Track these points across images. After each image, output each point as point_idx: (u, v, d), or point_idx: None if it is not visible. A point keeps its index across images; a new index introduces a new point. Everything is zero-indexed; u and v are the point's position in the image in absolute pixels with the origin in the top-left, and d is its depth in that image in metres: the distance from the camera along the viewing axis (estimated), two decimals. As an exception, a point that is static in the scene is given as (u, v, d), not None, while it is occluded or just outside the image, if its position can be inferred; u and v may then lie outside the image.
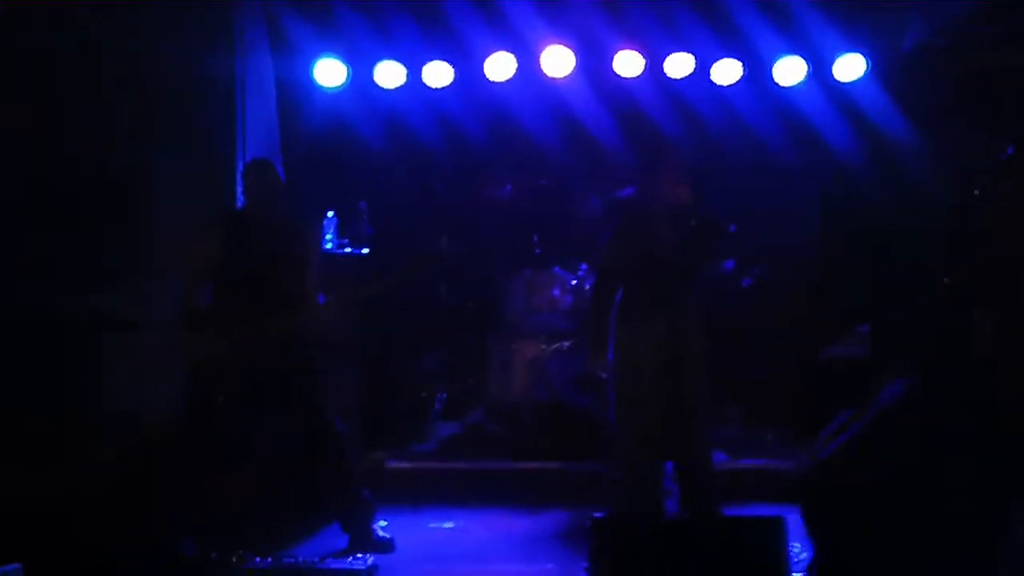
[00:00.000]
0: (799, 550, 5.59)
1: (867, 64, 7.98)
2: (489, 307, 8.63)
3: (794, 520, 4.59)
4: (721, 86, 8.17)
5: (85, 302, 6.30)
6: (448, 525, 6.63)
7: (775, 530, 4.26)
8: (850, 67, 8.03)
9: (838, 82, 8.13)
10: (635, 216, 5.97)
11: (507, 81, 8.15)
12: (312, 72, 8.11)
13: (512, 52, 8.05)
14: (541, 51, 7.98)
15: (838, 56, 8.03)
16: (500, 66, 8.07)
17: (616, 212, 6.27)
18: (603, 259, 6.11)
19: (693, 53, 8.02)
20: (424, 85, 8.23)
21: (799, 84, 8.17)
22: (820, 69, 8.11)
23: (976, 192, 5.71)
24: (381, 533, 6.06)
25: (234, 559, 5.41)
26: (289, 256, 5.86)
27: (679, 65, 8.04)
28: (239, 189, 7.14)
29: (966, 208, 5.72)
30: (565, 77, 8.09)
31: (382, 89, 8.26)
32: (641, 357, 5.72)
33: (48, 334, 6.12)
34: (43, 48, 6.63)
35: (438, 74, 8.17)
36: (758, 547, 4.24)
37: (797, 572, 5.11)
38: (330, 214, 7.95)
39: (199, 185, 7.10)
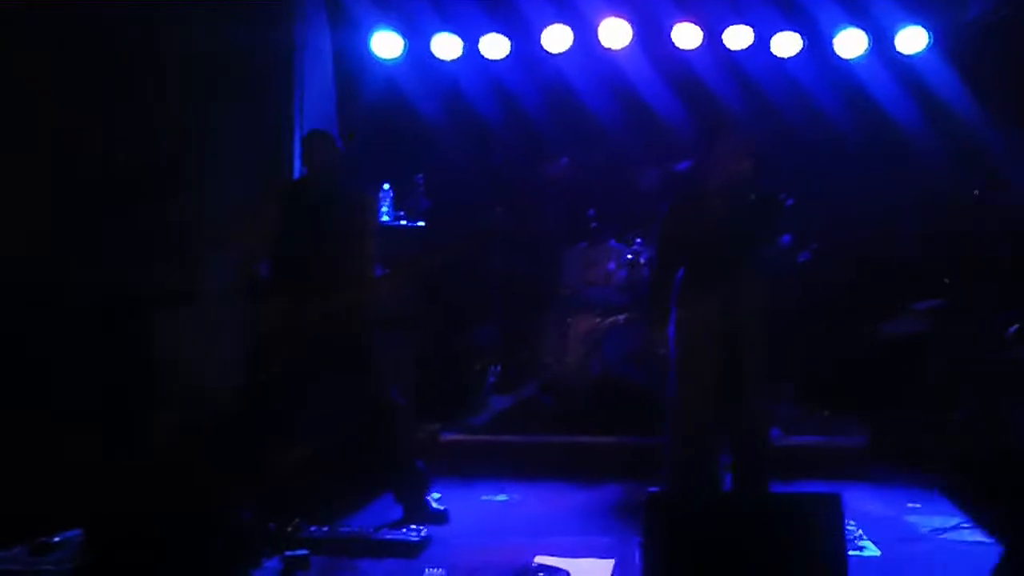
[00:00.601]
0: (855, 527, 5.57)
1: (929, 36, 7.86)
2: (545, 280, 8.63)
3: (850, 497, 4.56)
4: (781, 58, 8.09)
5: (143, 274, 6.35)
6: (501, 498, 6.64)
7: (832, 507, 4.23)
8: (912, 39, 7.92)
9: (900, 54, 8.01)
10: (692, 191, 5.92)
11: (564, 53, 8.11)
12: (369, 44, 8.12)
13: (569, 24, 8.01)
14: (598, 23, 7.94)
15: (900, 28, 7.91)
16: (557, 38, 8.03)
17: (673, 187, 6.22)
18: (661, 235, 6.06)
19: (752, 25, 7.95)
20: (481, 57, 8.21)
21: (860, 57, 8.07)
22: (882, 41, 8.01)
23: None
24: (435, 505, 6.08)
25: (290, 528, 5.47)
26: (349, 229, 5.87)
27: (738, 37, 7.97)
28: (296, 160, 7.18)
29: None
30: (622, 49, 8.04)
31: (439, 61, 8.26)
32: (699, 332, 5.68)
33: (107, 305, 6.18)
34: (101, 18, 6.66)
35: (495, 46, 8.16)
36: (815, 524, 4.21)
37: (853, 550, 5.10)
38: (386, 186, 7.96)
39: (257, 156, 7.12)
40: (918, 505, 6.24)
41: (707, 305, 5.69)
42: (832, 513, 4.23)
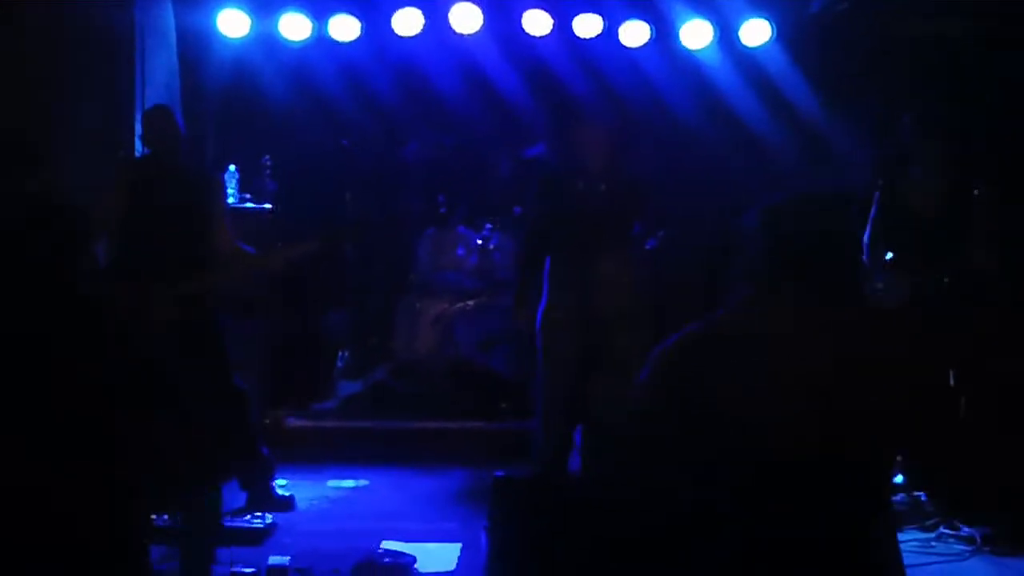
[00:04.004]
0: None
1: (773, 29, 8.01)
2: (396, 265, 8.59)
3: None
4: (630, 48, 8.15)
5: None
6: (348, 484, 6.60)
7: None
8: (756, 32, 8.04)
9: (745, 47, 8.15)
10: (554, 178, 5.98)
11: (415, 36, 8.05)
12: (215, 22, 7.92)
13: (420, 7, 7.94)
14: (449, 7, 7.89)
15: (744, 20, 8.04)
16: (408, 21, 7.94)
17: (534, 175, 6.26)
18: (528, 222, 6.13)
19: (600, 14, 7.99)
20: (330, 38, 8.09)
21: (706, 48, 8.18)
22: (727, 33, 8.13)
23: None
24: (280, 492, 6.01)
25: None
26: (196, 208, 5.71)
27: (587, 25, 8.00)
28: (137, 140, 6.99)
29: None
30: (473, 34, 8.02)
31: (287, 41, 8.11)
32: (563, 318, 5.75)
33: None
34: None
35: (344, 27, 8.03)
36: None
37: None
38: (232, 168, 7.80)
39: (98, 135, 6.92)
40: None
41: (570, 291, 5.75)
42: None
